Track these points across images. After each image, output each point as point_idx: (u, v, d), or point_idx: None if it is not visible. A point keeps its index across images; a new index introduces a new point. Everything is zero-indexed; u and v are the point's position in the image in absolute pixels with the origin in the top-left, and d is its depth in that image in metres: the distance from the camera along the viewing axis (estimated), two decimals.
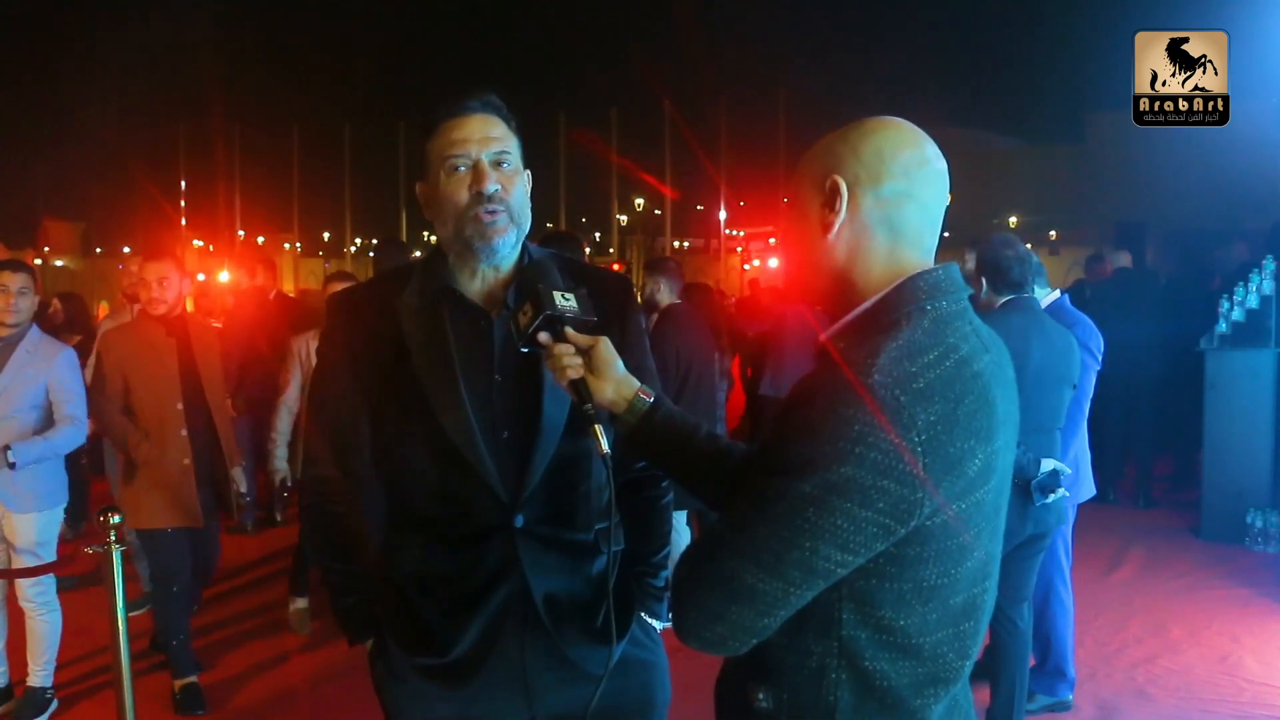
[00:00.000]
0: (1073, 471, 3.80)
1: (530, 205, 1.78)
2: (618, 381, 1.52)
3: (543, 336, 1.54)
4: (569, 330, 1.54)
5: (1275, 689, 4.11)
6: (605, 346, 1.53)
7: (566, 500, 1.77)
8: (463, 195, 1.68)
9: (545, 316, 1.52)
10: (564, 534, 1.76)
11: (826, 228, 1.29)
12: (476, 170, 1.68)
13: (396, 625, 1.78)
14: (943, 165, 1.31)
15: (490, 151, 1.69)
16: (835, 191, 1.27)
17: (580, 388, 1.51)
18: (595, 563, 1.80)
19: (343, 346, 1.79)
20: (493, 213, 1.67)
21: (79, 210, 37.96)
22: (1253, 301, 6.44)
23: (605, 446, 1.51)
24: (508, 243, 1.71)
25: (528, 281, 1.58)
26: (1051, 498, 3.25)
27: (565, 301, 1.54)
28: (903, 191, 1.27)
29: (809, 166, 1.32)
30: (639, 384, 1.53)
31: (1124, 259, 7.68)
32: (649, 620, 1.88)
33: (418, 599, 1.76)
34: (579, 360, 1.52)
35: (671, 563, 1.92)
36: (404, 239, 28.58)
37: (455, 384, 1.70)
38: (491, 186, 1.67)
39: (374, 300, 1.79)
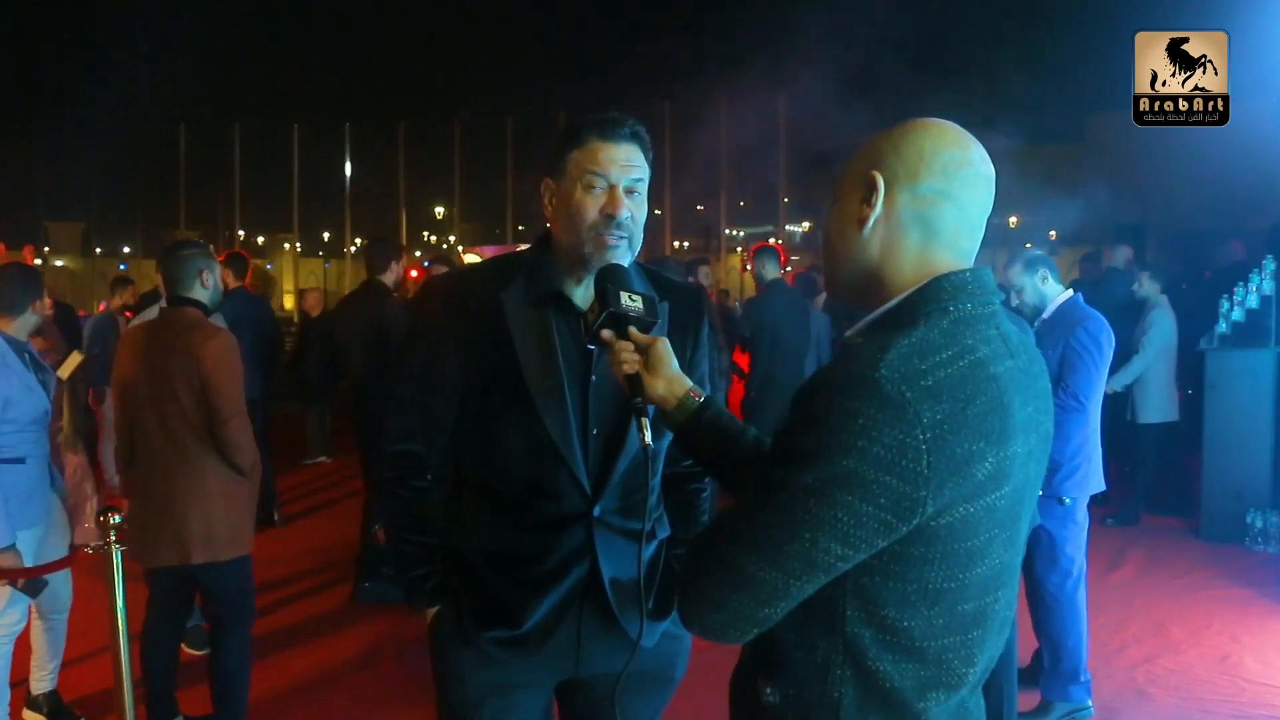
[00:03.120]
0: (1078, 473, 3.76)
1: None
2: (670, 379, 1.58)
3: (605, 333, 1.65)
4: (631, 329, 1.64)
5: (1275, 689, 4.11)
6: (662, 346, 1.61)
7: (637, 493, 1.89)
8: (593, 213, 1.79)
9: (609, 314, 1.64)
10: (630, 523, 1.89)
11: (861, 222, 1.30)
12: (611, 194, 1.79)
13: (469, 598, 1.91)
14: (988, 170, 1.31)
15: (628, 179, 1.81)
16: (872, 186, 1.29)
17: (634, 382, 1.60)
18: (648, 549, 1.95)
19: (446, 328, 1.88)
20: (618, 238, 1.80)
21: (79, 210, 37.97)
22: (1253, 301, 6.45)
23: (648, 438, 1.59)
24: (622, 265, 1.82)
25: (599, 282, 1.70)
26: None
27: (630, 302, 1.66)
28: (940, 190, 1.27)
29: (853, 163, 1.34)
30: (690, 384, 1.59)
31: (1121, 256, 7.54)
32: None
33: (491, 575, 1.89)
34: (636, 356, 1.61)
35: None
36: (404, 240, 28.63)
37: (560, 386, 1.83)
38: (623, 214, 1.79)
39: (477, 290, 1.88)
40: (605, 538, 1.86)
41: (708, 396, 1.58)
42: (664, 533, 2.01)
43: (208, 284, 3.51)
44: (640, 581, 1.76)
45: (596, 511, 1.86)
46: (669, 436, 1.68)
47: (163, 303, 3.65)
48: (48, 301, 3.71)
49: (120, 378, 3.54)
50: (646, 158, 1.85)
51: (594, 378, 1.85)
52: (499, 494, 1.90)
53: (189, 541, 3.41)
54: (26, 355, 3.58)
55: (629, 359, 1.61)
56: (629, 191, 1.81)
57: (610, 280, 1.69)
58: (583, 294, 1.87)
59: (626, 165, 1.80)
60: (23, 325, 3.59)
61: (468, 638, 1.90)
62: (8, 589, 3.47)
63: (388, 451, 1.95)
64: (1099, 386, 3.84)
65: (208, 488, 3.44)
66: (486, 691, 1.91)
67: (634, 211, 1.81)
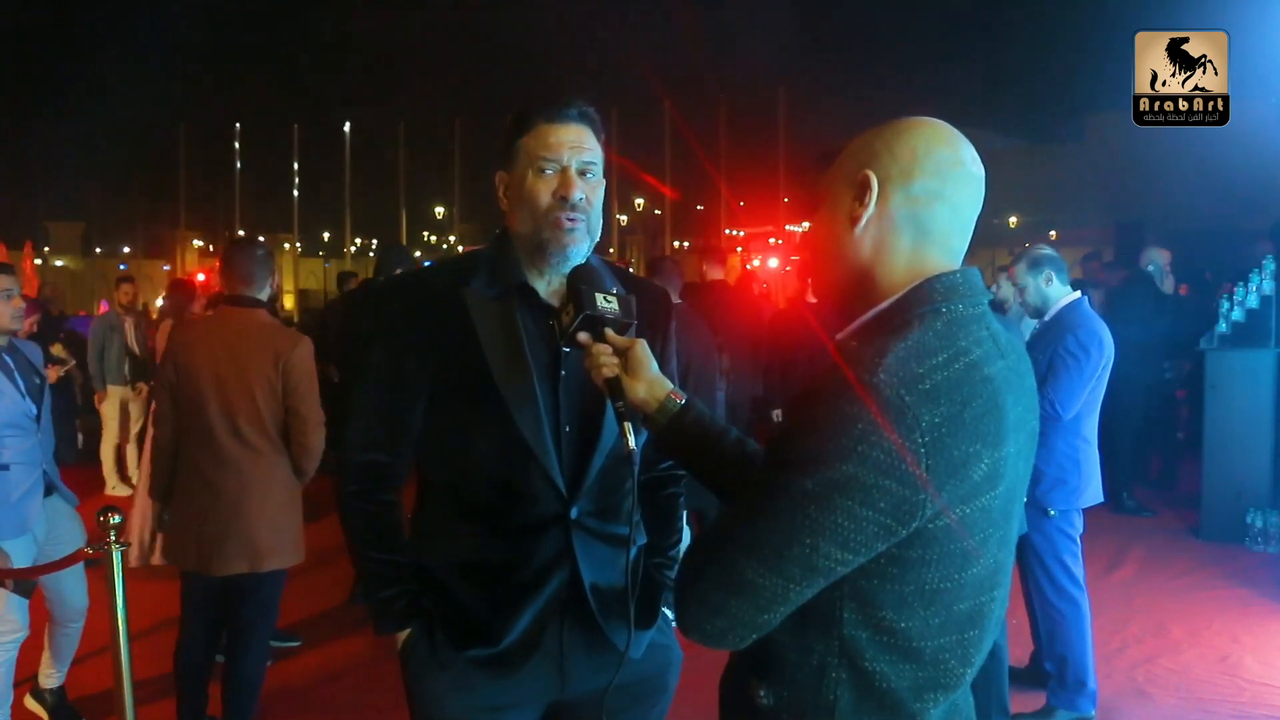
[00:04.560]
0: (1066, 485, 3.72)
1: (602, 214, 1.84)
2: (650, 382, 1.55)
3: (582, 336, 1.60)
4: (608, 331, 1.60)
5: (1275, 689, 4.11)
6: (641, 348, 1.57)
7: (613, 495, 1.83)
8: (546, 197, 1.74)
9: (585, 316, 1.59)
10: (608, 527, 1.82)
11: (854, 221, 1.29)
12: (564, 176, 1.75)
13: (442, 618, 1.81)
14: (979, 170, 1.31)
15: (580, 160, 1.76)
16: (866, 185, 1.28)
17: (614, 386, 1.56)
18: (628, 554, 1.86)
19: (406, 327, 1.80)
20: (573, 220, 1.75)
21: (79, 210, 37.96)
22: (1253, 301, 6.45)
23: (632, 443, 1.55)
24: (580, 251, 1.77)
25: (573, 283, 1.65)
26: None
27: (606, 304, 1.61)
28: (933, 190, 1.27)
29: (844, 162, 1.33)
30: (671, 386, 1.56)
31: (1148, 259, 7.37)
32: (665, 610, 1.95)
33: (464, 590, 1.80)
34: (615, 360, 1.57)
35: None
36: (404, 239, 28.62)
37: (529, 378, 1.75)
38: (577, 195, 1.74)
39: (437, 287, 1.82)
40: (584, 542, 1.78)
41: (689, 398, 1.55)
42: (641, 539, 1.93)
43: (272, 286, 3.48)
44: (628, 589, 1.68)
45: (574, 514, 1.77)
46: (644, 435, 1.64)
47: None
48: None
49: (176, 375, 3.38)
50: (598, 139, 1.80)
51: (563, 373, 1.78)
52: (469, 500, 1.80)
53: (260, 548, 3.36)
54: (5, 358, 3.42)
55: (608, 363, 1.56)
56: (581, 173, 1.76)
57: (584, 281, 1.64)
58: (547, 286, 1.81)
59: (577, 146, 1.75)
60: None
61: (443, 661, 1.79)
62: (3, 595, 3.42)
63: (350, 462, 1.83)
64: (1083, 397, 3.74)
65: (279, 493, 3.42)
66: (468, 716, 1.79)
67: (588, 193, 1.76)
